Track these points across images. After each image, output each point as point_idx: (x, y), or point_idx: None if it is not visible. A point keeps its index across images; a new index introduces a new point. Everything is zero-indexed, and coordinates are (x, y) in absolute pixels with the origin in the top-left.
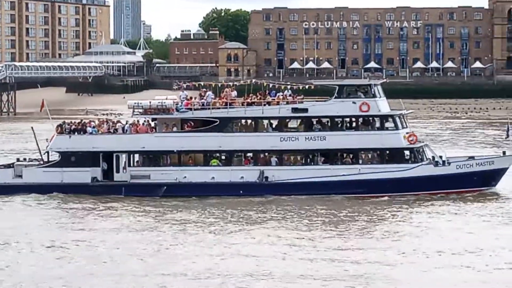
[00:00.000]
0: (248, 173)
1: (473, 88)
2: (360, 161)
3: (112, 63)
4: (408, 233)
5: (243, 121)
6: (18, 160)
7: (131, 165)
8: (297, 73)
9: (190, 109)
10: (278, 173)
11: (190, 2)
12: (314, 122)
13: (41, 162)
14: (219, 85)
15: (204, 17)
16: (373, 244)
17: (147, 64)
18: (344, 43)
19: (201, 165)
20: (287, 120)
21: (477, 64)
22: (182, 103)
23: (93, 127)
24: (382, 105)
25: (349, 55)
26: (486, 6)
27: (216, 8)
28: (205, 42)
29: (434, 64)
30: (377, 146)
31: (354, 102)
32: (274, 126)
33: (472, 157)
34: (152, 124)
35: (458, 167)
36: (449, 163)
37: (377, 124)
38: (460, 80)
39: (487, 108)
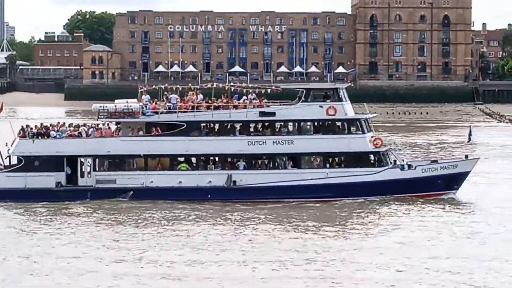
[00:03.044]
0: (216, 177)
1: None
2: (328, 165)
3: None
4: (376, 237)
5: (210, 124)
6: None
7: (96, 169)
8: (162, 76)
9: (157, 112)
10: (246, 177)
11: (55, 4)
12: (281, 126)
13: (1, 167)
14: (180, 89)
15: (68, 19)
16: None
17: (10, 66)
18: (209, 46)
19: (168, 169)
20: (259, 124)
21: (340, 69)
22: (146, 106)
23: (57, 130)
24: (348, 109)
25: (214, 59)
26: (349, 12)
27: (81, 10)
28: (70, 44)
29: (298, 69)
30: (344, 150)
31: (321, 106)
32: (241, 130)
33: (435, 161)
34: (113, 128)
35: (423, 170)
36: (414, 167)
37: (344, 128)
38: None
39: None
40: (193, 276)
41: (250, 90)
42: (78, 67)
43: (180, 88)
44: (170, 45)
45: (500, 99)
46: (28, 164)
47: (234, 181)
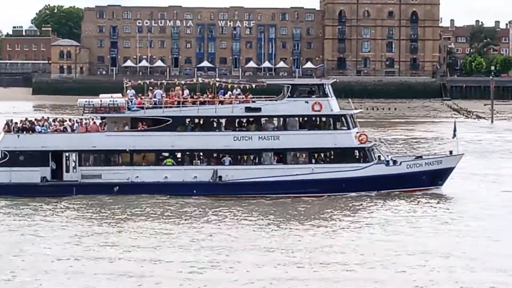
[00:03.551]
0: (202, 173)
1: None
2: (313, 161)
3: None
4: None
5: (195, 120)
6: None
7: (82, 164)
8: (130, 71)
9: (142, 107)
10: (231, 173)
11: None
12: (266, 121)
13: None
14: (165, 83)
15: (36, 14)
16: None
17: None
18: (177, 41)
19: (153, 164)
20: (244, 120)
21: (309, 65)
22: (132, 102)
23: (42, 125)
24: (334, 104)
25: (182, 54)
26: (318, 8)
27: (49, 4)
28: (38, 39)
29: (266, 64)
30: (329, 145)
31: (306, 102)
32: (227, 125)
33: (420, 157)
34: (98, 122)
35: (408, 166)
36: (399, 163)
37: (330, 124)
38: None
39: None
40: (152, 275)
41: (235, 85)
42: (46, 62)
43: (165, 83)
44: (139, 40)
45: (468, 95)
46: (13, 158)
47: (220, 177)
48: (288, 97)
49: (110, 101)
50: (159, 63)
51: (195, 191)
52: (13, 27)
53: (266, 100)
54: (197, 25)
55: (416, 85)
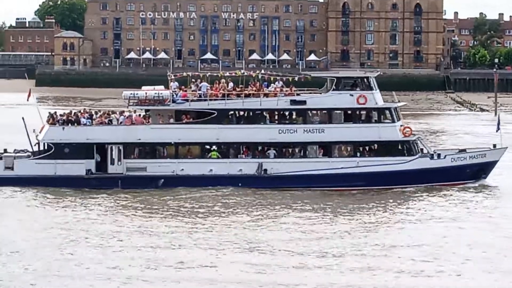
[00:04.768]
0: (247, 166)
1: (310, 81)
2: (358, 154)
3: None
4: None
5: (240, 112)
6: (5, 151)
7: (127, 157)
8: (133, 63)
9: (187, 100)
10: (276, 166)
11: None
12: (312, 114)
13: (30, 154)
14: (208, 75)
15: (40, 5)
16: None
17: None
18: (181, 33)
19: (198, 157)
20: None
21: (312, 57)
22: (178, 95)
23: (87, 118)
24: (378, 97)
25: (186, 45)
26: (321, 0)
27: None
28: (41, 31)
29: (270, 56)
30: (374, 139)
31: (351, 95)
32: (272, 118)
33: (463, 150)
34: (141, 115)
35: (452, 160)
36: (444, 156)
37: (374, 117)
38: (295, 72)
39: None
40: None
41: (278, 78)
42: (50, 53)
43: (208, 75)
44: (142, 31)
45: (471, 88)
46: (58, 151)
47: (265, 170)
48: (333, 90)
49: (155, 93)
50: (162, 55)
51: (240, 184)
52: (17, 19)
53: (310, 93)
54: (201, 17)
55: (419, 78)
